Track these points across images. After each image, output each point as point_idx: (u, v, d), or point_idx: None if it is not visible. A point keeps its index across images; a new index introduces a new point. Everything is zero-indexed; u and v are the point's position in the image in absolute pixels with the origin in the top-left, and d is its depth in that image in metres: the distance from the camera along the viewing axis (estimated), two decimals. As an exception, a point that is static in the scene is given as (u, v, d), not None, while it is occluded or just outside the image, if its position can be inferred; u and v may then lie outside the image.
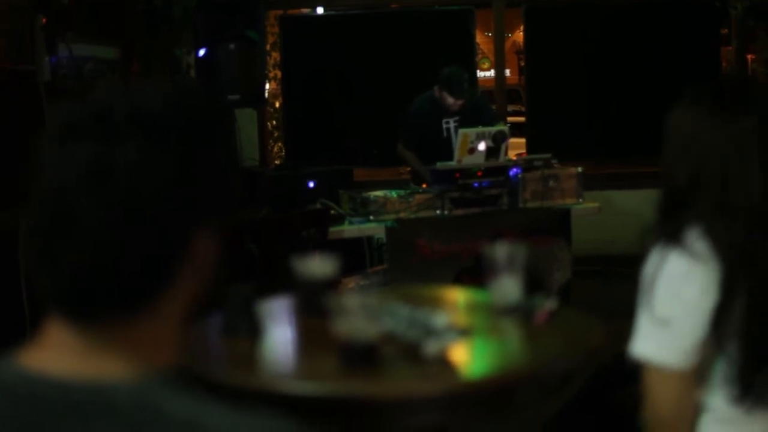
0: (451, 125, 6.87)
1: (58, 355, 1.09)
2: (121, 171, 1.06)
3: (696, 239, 2.01)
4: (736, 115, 2.04)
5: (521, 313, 2.43)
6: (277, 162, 8.82)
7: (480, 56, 9.28)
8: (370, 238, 6.29)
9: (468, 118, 6.75)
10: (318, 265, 2.55)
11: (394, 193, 6.30)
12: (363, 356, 2.08)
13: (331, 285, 2.52)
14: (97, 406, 1.03)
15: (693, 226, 2.02)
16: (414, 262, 6.05)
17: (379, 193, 6.29)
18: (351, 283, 5.82)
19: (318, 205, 6.24)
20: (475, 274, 2.62)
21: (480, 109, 7.05)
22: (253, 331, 2.38)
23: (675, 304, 2.00)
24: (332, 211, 6.18)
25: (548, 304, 2.42)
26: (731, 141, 2.01)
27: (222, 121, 1.21)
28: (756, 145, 2.01)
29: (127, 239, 1.06)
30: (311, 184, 6.59)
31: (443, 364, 2.12)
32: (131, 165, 1.06)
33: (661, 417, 2.05)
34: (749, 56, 7.96)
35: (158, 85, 1.15)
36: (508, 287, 2.55)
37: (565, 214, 6.41)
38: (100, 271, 1.07)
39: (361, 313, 2.06)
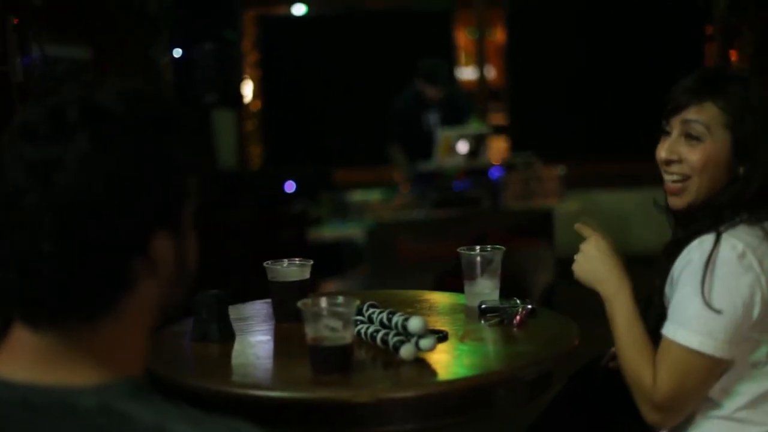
0: (431, 119, 6.86)
1: (22, 360, 1.08)
2: (70, 167, 1.04)
3: (743, 223, 2.06)
4: None
5: (498, 315, 2.40)
6: (256, 164, 8.79)
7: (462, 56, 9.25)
8: (350, 241, 6.26)
9: (449, 112, 6.74)
10: (291, 269, 2.51)
11: (374, 195, 6.28)
12: (336, 361, 2.03)
13: (306, 288, 2.48)
14: (60, 411, 1.02)
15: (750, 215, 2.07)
16: (395, 264, 6.03)
17: (360, 194, 6.27)
18: (330, 286, 5.78)
19: (297, 208, 6.21)
20: (458, 277, 2.58)
21: (460, 103, 7.05)
22: (224, 335, 2.34)
23: (731, 294, 1.99)
24: (312, 214, 6.14)
25: (526, 307, 2.39)
26: None
27: (180, 120, 1.17)
28: None
29: (76, 239, 1.04)
30: (291, 186, 6.56)
31: (418, 368, 2.07)
32: (80, 161, 1.04)
33: (687, 401, 2.06)
34: (732, 52, 7.96)
35: (117, 84, 1.13)
36: (486, 289, 2.52)
37: (547, 215, 6.40)
38: (49, 274, 1.04)
39: (335, 317, 2.02)
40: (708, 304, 1.99)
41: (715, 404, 2.11)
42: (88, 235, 1.04)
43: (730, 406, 2.10)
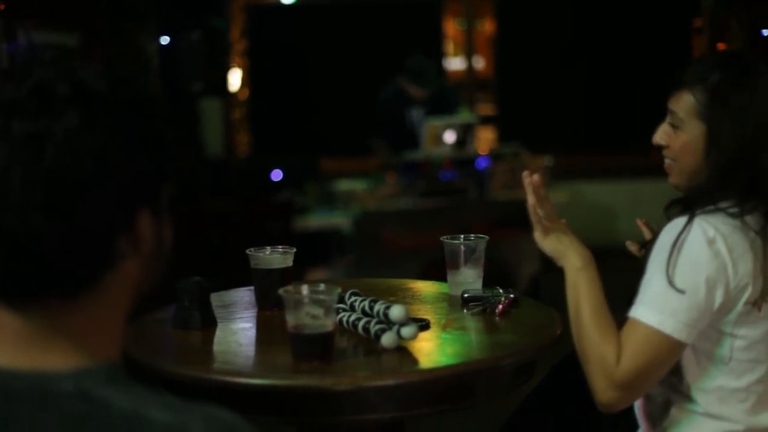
0: (414, 116, 6.83)
1: (0, 342, 1.08)
2: (59, 141, 1.05)
3: (720, 211, 2.04)
4: None
5: (481, 304, 2.41)
6: (243, 152, 8.77)
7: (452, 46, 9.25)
8: (337, 230, 6.26)
9: (434, 108, 6.71)
10: (274, 256, 2.51)
11: (361, 184, 6.28)
12: (317, 348, 2.04)
13: (288, 276, 2.48)
14: (38, 395, 1.02)
15: (728, 200, 2.06)
16: (381, 253, 6.03)
17: (346, 184, 6.26)
18: (317, 274, 5.79)
19: (284, 197, 6.21)
20: (443, 266, 2.58)
21: (447, 98, 7.02)
22: (206, 323, 2.34)
23: (694, 275, 1.99)
24: (298, 203, 6.14)
25: (508, 296, 2.39)
26: None
27: (160, 101, 1.18)
28: None
29: (65, 212, 1.05)
30: (278, 175, 6.56)
31: (400, 356, 2.08)
32: (68, 136, 1.05)
33: (646, 381, 2.05)
34: (721, 46, 7.97)
35: (95, 67, 1.14)
36: (469, 279, 2.52)
37: (533, 206, 6.39)
38: (36, 249, 1.05)
39: (316, 305, 2.02)
40: (671, 283, 1.99)
41: (689, 399, 2.12)
42: (76, 209, 1.05)
43: (703, 401, 2.10)
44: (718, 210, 2.05)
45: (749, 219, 2.04)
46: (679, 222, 2.04)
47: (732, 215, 2.04)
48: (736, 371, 2.09)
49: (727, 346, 2.07)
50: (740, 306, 2.03)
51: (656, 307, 2.00)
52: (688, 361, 2.10)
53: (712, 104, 2.09)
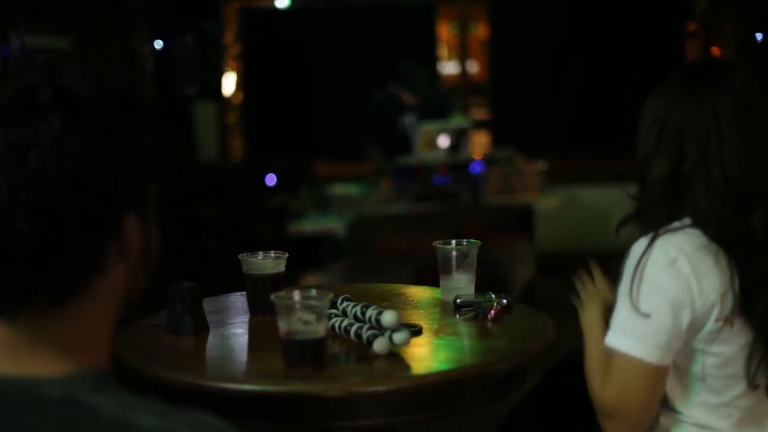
0: (408, 122, 6.84)
1: None
2: (43, 146, 1.05)
3: (683, 229, 2.02)
4: (713, 91, 2.03)
5: (473, 310, 2.40)
6: (237, 157, 8.77)
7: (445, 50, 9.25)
8: (331, 234, 6.26)
9: (427, 113, 6.72)
10: (266, 261, 2.50)
11: (355, 189, 6.27)
12: (309, 354, 2.03)
13: (281, 281, 2.47)
14: (26, 401, 1.02)
15: (680, 215, 2.03)
16: (375, 258, 6.03)
17: (341, 188, 6.26)
18: (311, 279, 5.78)
19: (278, 201, 6.20)
20: (436, 271, 2.58)
21: (440, 102, 7.02)
22: (198, 328, 2.33)
23: (658, 298, 1.98)
24: (292, 207, 6.14)
25: (501, 301, 2.39)
26: (710, 117, 2.00)
27: (143, 103, 1.19)
28: (735, 121, 2.00)
29: (51, 217, 1.05)
30: (272, 179, 6.55)
31: (392, 362, 2.07)
32: (53, 141, 1.05)
33: (631, 408, 2.05)
34: (715, 50, 7.98)
35: (78, 69, 1.14)
36: (461, 284, 2.52)
37: (527, 211, 6.40)
38: (23, 254, 1.05)
39: (308, 311, 2.02)
40: (635, 308, 1.99)
41: (679, 412, 2.11)
42: (62, 213, 1.05)
43: (690, 413, 2.10)
44: (680, 228, 2.03)
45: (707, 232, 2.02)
46: (642, 243, 2.04)
47: (692, 233, 2.02)
48: (714, 387, 2.08)
49: (701, 363, 2.06)
50: (711, 323, 2.01)
51: (624, 333, 2.02)
52: (670, 376, 2.10)
53: (654, 115, 2.09)
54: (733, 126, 1.99)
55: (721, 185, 1.99)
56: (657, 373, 2.02)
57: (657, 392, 2.06)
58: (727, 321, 2.01)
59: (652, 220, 2.06)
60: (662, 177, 2.04)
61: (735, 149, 1.98)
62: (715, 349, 2.04)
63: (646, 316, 1.98)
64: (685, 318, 1.99)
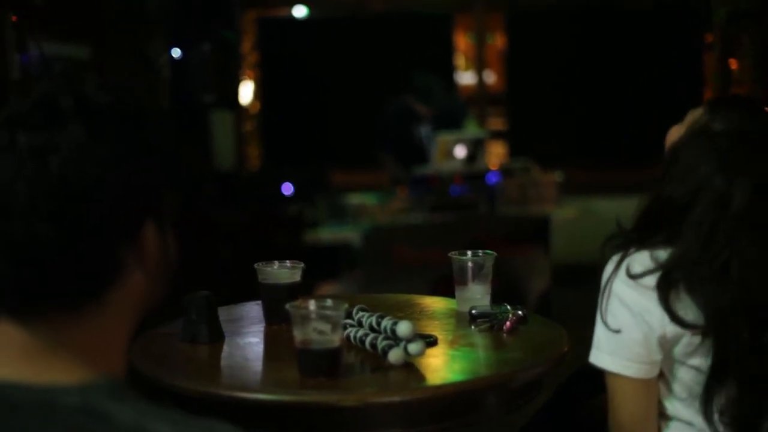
0: (423, 132, 6.84)
1: (4, 357, 1.08)
2: (65, 153, 1.06)
3: (656, 248, 2.01)
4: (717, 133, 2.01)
5: (488, 321, 2.40)
6: (253, 165, 8.78)
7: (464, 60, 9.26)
8: (347, 244, 6.26)
9: (442, 123, 6.72)
10: (282, 271, 2.50)
11: (371, 198, 6.27)
12: (324, 364, 2.03)
13: (296, 291, 2.47)
14: (43, 408, 1.02)
15: (666, 240, 2.02)
16: (391, 268, 6.02)
17: (357, 198, 6.25)
18: (326, 289, 5.78)
19: (294, 210, 6.20)
20: (452, 282, 2.58)
21: (454, 111, 7.02)
22: (213, 337, 2.33)
23: (625, 313, 2.00)
24: (308, 216, 6.14)
25: (516, 313, 2.38)
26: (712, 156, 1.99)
27: (161, 113, 1.21)
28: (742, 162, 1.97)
29: (71, 222, 1.06)
30: (288, 188, 6.55)
31: (407, 372, 2.07)
32: (74, 148, 1.07)
33: (623, 423, 2.06)
34: (732, 62, 7.95)
35: (97, 79, 1.16)
36: (476, 295, 2.52)
37: (544, 221, 6.38)
38: (43, 259, 1.06)
39: (323, 320, 2.02)
40: (606, 325, 2.03)
41: (669, 418, 2.12)
42: (81, 219, 1.07)
43: (682, 415, 2.09)
44: (649, 246, 2.02)
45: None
46: (614, 261, 2.06)
47: (662, 249, 2.01)
48: (695, 394, 2.06)
49: (683, 374, 2.05)
50: (688, 336, 2.00)
51: (601, 349, 2.05)
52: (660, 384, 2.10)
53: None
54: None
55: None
56: (637, 387, 2.04)
57: (647, 405, 2.07)
58: (706, 334, 1.99)
59: (630, 237, 2.08)
60: (667, 205, 2.05)
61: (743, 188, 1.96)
62: (693, 361, 2.03)
63: (617, 331, 2.01)
64: (656, 330, 1.99)
